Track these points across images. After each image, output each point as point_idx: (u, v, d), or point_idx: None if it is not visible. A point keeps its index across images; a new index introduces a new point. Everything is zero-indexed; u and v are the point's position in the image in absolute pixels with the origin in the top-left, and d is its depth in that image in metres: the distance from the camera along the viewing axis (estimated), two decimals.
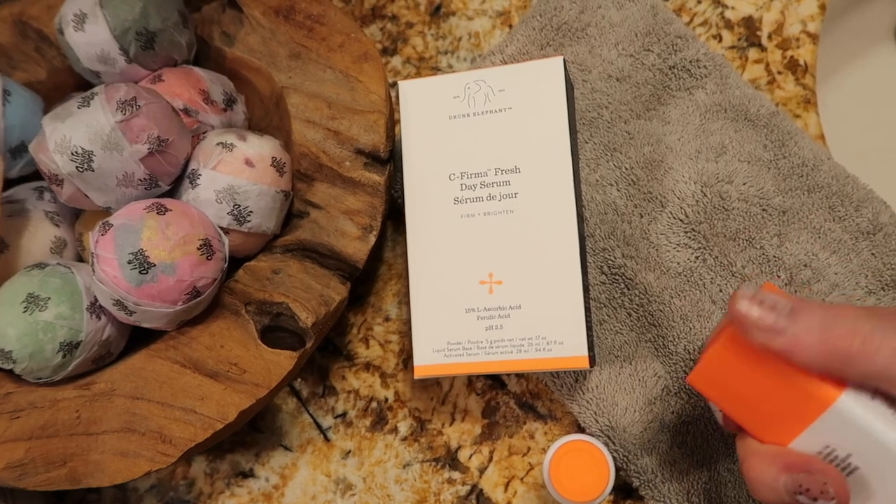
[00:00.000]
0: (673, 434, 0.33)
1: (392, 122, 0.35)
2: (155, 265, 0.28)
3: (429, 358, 0.32)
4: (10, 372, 0.31)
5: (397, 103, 0.38)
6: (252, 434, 0.38)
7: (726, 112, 0.36)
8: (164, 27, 0.34)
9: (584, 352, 0.30)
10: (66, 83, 0.38)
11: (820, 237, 0.34)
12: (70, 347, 0.30)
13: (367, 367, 0.38)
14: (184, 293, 0.29)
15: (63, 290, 0.30)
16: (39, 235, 0.34)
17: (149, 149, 0.30)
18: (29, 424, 0.31)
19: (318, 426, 0.38)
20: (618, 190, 0.35)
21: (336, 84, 0.34)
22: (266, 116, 0.37)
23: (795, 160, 0.35)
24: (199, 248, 0.29)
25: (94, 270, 0.29)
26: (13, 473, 0.31)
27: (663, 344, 0.33)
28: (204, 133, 0.34)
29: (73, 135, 0.29)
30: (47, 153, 0.29)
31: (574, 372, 0.34)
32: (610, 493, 0.34)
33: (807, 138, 0.35)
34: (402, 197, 0.37)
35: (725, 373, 0.24)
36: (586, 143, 0.36)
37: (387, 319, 0.38)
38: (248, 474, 0.37)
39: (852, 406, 0.22)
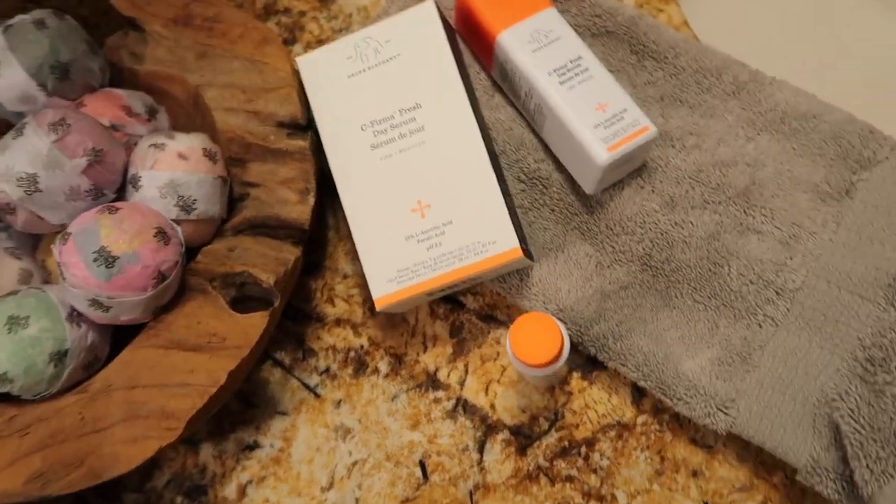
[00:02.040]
0: (615, 300, 0.37)
1: (304, 92, 0.38)
2: (119, 257, 0.31)
3: (384, 289, 0.35)
4: (8, 395, 0.34)
5: None
6: (249, 410, 0.41)
7: (590, 30, 0.40)
8: (75, 56, 0.36)
9: (515, 244, 0.34)
10: None
11: (695, 108, 0.39)
12: (59, 356, 0.33)
13: (338, 322, 0.41)
14: (151, 278, 0.32)
15: (40, 307, 0.33)
16: (6, 270, 0.36)
17: (87, 160, 0.32)
18: (38, 436, 0.33)
19: (307, 386, 0.41)
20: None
21: (245, 71, 0.38)
22: (189, 120, 0.40)
23: (659, 50, 0.39)
24: (154, 236, 0.32)
25: (64, 278, 0.32)
26: (36, 485, 0.33)
27: (587, 227, 0.38)
28: (135, 143, 0.37)
29: (14, 163, 0.32)
30: None
31: (518, 272, 0.38)
32: (569, 359, 0.38)
33: (668, 30, 0.40)
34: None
35: None
36: (479, 73, 0.40)
37: (345, 277, 0.42)
38: (253, 446, 0.40)
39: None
